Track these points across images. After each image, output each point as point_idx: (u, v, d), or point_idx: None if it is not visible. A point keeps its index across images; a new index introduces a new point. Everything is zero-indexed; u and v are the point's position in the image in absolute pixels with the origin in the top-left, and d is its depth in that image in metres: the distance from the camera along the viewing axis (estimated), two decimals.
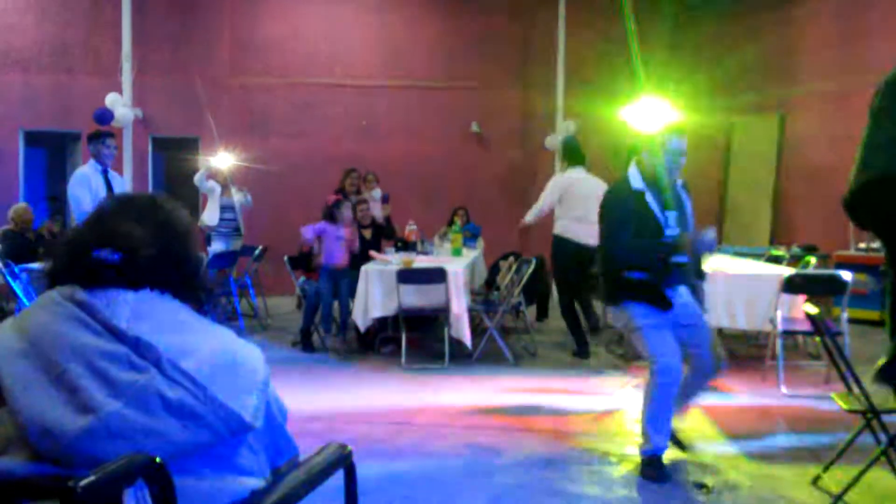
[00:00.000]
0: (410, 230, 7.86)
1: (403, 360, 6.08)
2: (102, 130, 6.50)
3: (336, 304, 6.77)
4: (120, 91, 9.57)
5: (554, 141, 10.39)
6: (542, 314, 8.24)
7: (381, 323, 6.68)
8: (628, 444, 4.18)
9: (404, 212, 8.58)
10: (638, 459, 3.80)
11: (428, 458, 3.94)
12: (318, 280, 6.80)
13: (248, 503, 1.29)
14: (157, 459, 1.10)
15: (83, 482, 0.94)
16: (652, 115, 9.79)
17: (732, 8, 10.18)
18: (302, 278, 7.29)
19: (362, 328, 6.37)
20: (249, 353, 1.37)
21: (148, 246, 1.35)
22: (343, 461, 1.57)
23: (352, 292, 6.57)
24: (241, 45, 10.23)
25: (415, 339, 6.49)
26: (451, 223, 8.52)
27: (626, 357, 6.41)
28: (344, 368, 6.11)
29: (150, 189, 10.22)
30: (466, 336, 6.06)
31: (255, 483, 1.34)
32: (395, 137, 10.42)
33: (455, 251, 7.40)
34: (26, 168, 9.96)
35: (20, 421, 1.16)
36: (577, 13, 10.52)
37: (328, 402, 5.06)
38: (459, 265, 6.46)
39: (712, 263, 6.36)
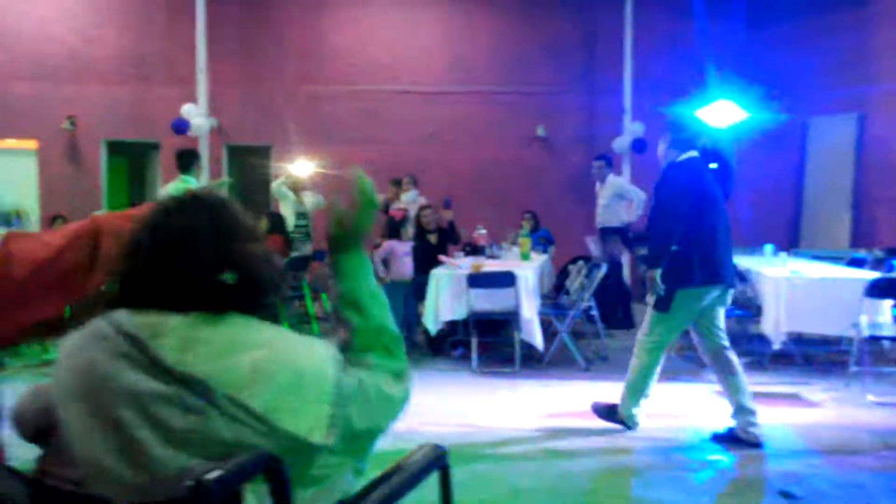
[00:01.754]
0: (479, 234, 7.89)
1: (474, 363, 6.10)
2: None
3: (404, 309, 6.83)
4: (196, 101, 9.88)
5: (622, 143, 10.28)
6: (628, 324, 8.00)
7: (452, 326, 6.72)
8: (708, 451, 4.10)
9: (471, 216, 8.61)
10: (721, 464, 3.74)
11: (504, 462, 3.95)
12: (387, 287, 6.87)
13: None
14: (272, 455, 1.09)
15: (213, 475, 0.95)
16: (723, 115, 9.61)
17: (808, 5, 9.91)
18: None
19: (433, 331, 6.42)
20: (314, 358, 1.25)
21: (265, 267, 1.27)
22: (438, 462, 1.56)
23: (420, 296, 6.63)
24: (310, 55, 10.44)
25: (485, 342, 6.50)
26: (518, 227, 8.53)
27: (699, 362, 6.29)
28: (415, 371, 6.15)
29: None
30: (538, 339, 6.05)
31: (344, 487, 1.31)
32: (460, 142, 10.47)
33: (523, 255, 7.39)
34: (109, 177, 10.37)
35: (81, 470, 1.13)
36: (644, 13, 10.39)
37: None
38: (529, 269, 6.45)
39: (790, 267, 6.21)
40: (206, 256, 1.22)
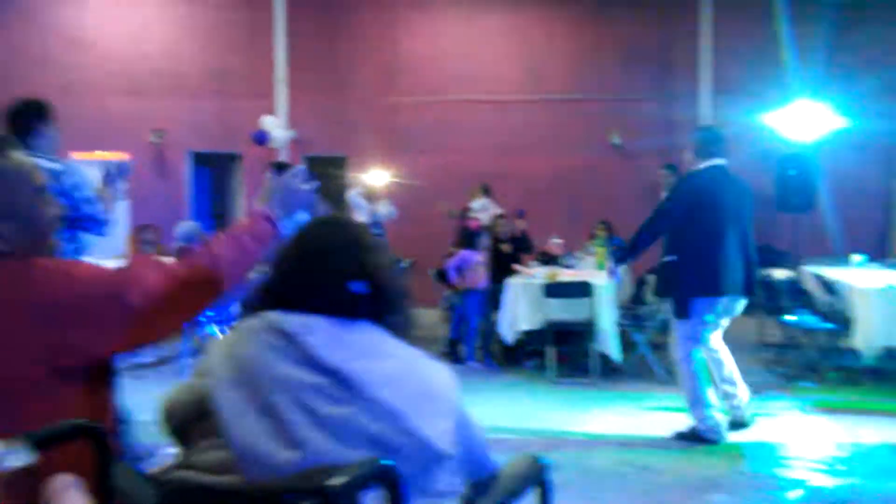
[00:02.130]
0: (554, 244, 7.84)
1: (551, 374, 6.06)
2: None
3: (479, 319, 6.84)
4: (275, 113, 10.15)
5: None
6: None
7: (527, 336, 6.68)
8: (799, 468, 3.96)
9: (545, 225, 8.57)
10: (813, 483, 3.61)
11: (586, 475, 3.90)
12: (459, 295, 6.88)
13: None
14: (388, 463, 1.14)
15: (338, 481, 1.00)
16: (807, 122, 9.30)
17: None
18: (448, 291, 7.42)
19: (508, 341, 6.41)
20: (442, 376, 1.36)
21: (392, 279, 1.39)
22: (539, 475, 1.54)
23: (494, 305, 6.63)
24: (386, 67, 10.60)
25: (561, 353, 6.45)
26: (592, 237, 8.43)
27: (787, 377, 6.09)
28: (491, 381, 6.16)
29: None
30: (615, 351, 5.96)
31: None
32: (534, 151, 10.44)
33: (600, 265, 7.30)
34: (193, 187, 10.75)
35: (234, 449, 1.22)
36: (723, 18, 10.16)
37: (478, 414, 5.08)
38: (606, 279, 6.36)
39: (880, 278, 5.95)
40: (341, 268, 1.35)
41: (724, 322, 4.54)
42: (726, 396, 4.56)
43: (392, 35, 10.60)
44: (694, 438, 4.37)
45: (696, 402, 4.38)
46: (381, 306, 1.36)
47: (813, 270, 6.85)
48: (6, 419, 1.33)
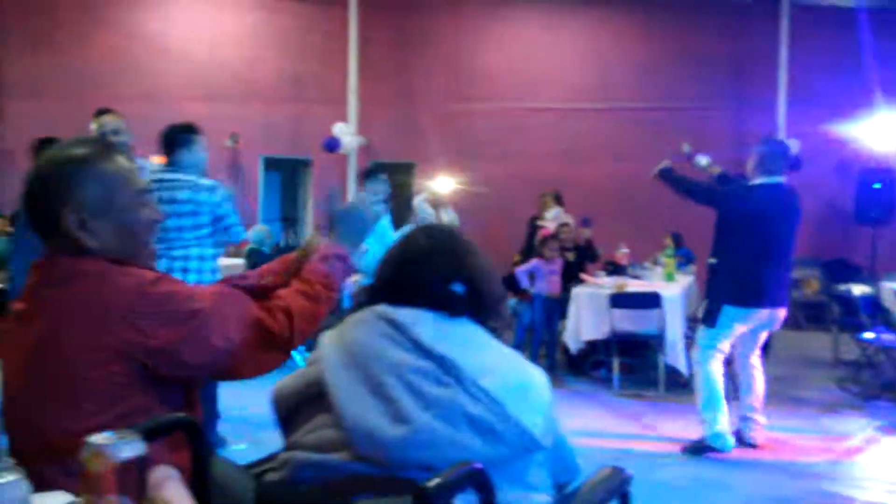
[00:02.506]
0: (621, 253, 7.77)
1: (616, 385, 6.01)
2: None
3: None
4: (346, 120, 10.35)
5: None
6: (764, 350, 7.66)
7: (592, 346, 6.64)
8: (875, 490, 3.84)
9: (612, 235, 8.49)
10: None
11: (653, 489, 3.85)
12: (530, 302, 6.86)
13: None
14: (479, 467, 1.17)
15: (433, 483, 1.04)
16: (889, 131, 8.99)
17: None
18: (514, 300, 7.42)
19: (573, 350, 6.38)
20: (537, 375, 1.44)
21: (488, 281, 1.49)
22: (622, 487, 1.56)
23: (561, 314, 6.60)
24: (456, 74, 10.68)
25: (626, 364, 6.38)
26: (662, 248, 8.31)
27: (862, 396, 5.90)
28: (554, 390, 6.11)
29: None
30: (683, 364, 5.87)
31: (544, 499, 1.39)
32: (601, 159, 10.35)
33: (668, 276, 7.20)
34: (264, 191, 11.03)
35: (346, 425, 1.30)
36: (802, 26, 9.90)
37: None
38: (675, 290, 6.28)
39: None
40: (443, 269, 1.46)
41: (761, 336, 4.60)
42: (744, 419, 4.58)
43: (462, 43, 10.68)
44: (699, 450, 4.40)
45: (706, 410, 4.42)
46: (478, 306, 1.45)
47: (892, 286, 6.61)
48: (77, 413, 1.37)
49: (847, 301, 6.59)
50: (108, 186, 1.50)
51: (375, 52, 10.62)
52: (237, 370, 1.48)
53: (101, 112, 4.24)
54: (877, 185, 8.83)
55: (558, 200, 8.83)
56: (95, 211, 1.47)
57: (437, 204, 8.59)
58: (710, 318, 4.40)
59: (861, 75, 9.35)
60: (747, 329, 4.42)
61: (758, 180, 4.39)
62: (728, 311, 4.32)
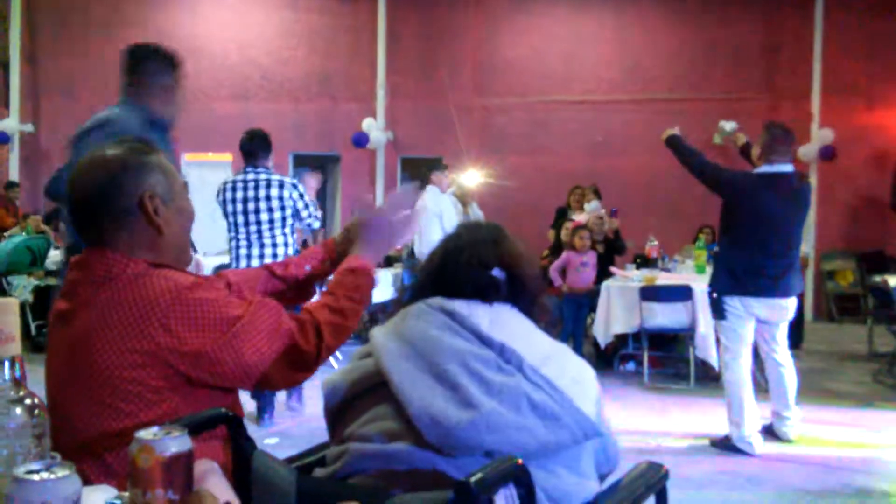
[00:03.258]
0: (651, 246, 7.71)
1: (646, 378, 5.98)
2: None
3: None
4: (375, 115, 10.39)
5: (809, 151, 9.68)
6: (796, 343, 7.58)
7: (622, 339, 6.62)
8: None
9: (643, 227, 8.43)
10: None
11: (685, 484, 3.85)
12: (560, 298, 6.82)
13: None
14: (520, 462, 1.18)
15: (475, 478, 1.06)
16: None
17: None
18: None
19: (602, 344, 6.36)
20: (587, 367, 1.48)
21: (527, 267, 1.53)
22: (660, 482, 1.57)
23: (590, 308, 6.58)
24: (483, 68, 10.67)
25: (656, 357, 6.35)
26: (695, 240, 8.24)
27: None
28: None
29: None
30: (713, 357, 5.83)
31: (595, 487, 1.42)
32: (632, 152, 10.27)
33: (699, 268, 7.14)
34: None
35: (410, 412, 1.32)
36: (835, 14, 9.73)
37: None
38: (705, 282, 6.22)
39: None
40: (482, 257, 1.50)
41: (781, 329, 4.45)
42: (777, 415, 4.53)
43: (489, 37, 10.66)
44: (727, 447, 4.34)
45: (732, 411, 4.36)
46: (519, 291, 1.49)
47: None
48: (114, 413, 1.40)
49: (882, 293, 6.49)
50: (168, 175, 1.57)
51: (403, 47, 10.65)
52: (266, 382, 1.51)
53: None
54: None
55: (597, 194, 8.76)
56: (165, 198, 1.54)
57: (464, 198, 8.60)
58: (718, 310, 4.38)
59: (895, 64, 9.18)
60: (756, 321, 4.35)
61: (763, 168, 4.31)
62: (730, 301, 4.29)
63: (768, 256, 4.23)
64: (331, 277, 1.76)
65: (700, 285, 6.03)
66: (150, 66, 3.03)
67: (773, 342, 4.48)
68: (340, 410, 1.45)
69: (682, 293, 5.94)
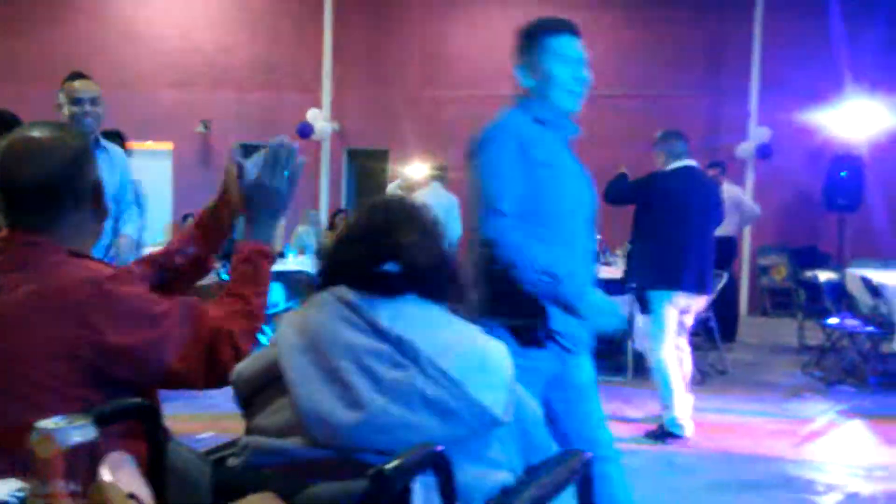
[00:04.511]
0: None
1: None
2: None
3: None
4: (320, 106, 10.29)
5: (746, 149, 9.94)
6: (730, 336, 7.79)
7: None
8: (836, 473, 3.93)
9: None
10: (850, 488, 3.59)
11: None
12: None
13: (498, 499, 1.34)
14: (439, 449, 1.18)
15: (390, 465, 1.05)
16: (858, 120, 9.12)
17: None
18: None
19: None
20: (497, 350, 1.42)
21: (424, 255, 1.43)
22: (583, 469, 1.58)
23: None
24: (431, 60, 10.65)
25: (596, 350, 6.43)
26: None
27: (826, 381, 6.01)
28: None
29: (344, 197, 10.90)
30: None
31: (506, 477, 1.39)
32: (581, 147, 10.30)
33: None
34: None
35: (299, 411, 1.29)
36: (775, 15, 10.00)
37: None
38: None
39: None
40: (372, 249, 1.43)
41: (687, 320, 4.73)
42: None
43: (437, 29, 10.64)
44: (659, 435, 4.49)
45: (664, 397, 4.54)
46: (419, 285, 1.42)
47: (858, 272, 6.73)
48: (27, 406, 1.34)
49: (813, 287, 6.70)
50: (96, 167, 1.54)
51: (349, 37, 10.56)
52: (182, 384, 1.48)
53: (74, 76, 3.77)
54: (843, 174, 8.95)
55: None
56: (97, 187, 1.53)
57: (411, 190, 8.59)
58: (645, 304, 4.60)
59: (832, 64, 9.47)
60: (678, 311, 4.55)
61: (671, 165, 4.62)
62: (657, 294, 4.48)
63: (689, 251, 4.43)
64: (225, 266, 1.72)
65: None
66: None
67: (681, 329, 4.68)
68: (250, 401, 1.42)
69: (619, 286, 6.02)
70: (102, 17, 10.61)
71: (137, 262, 1.89)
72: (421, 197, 7.93)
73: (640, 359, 6.07)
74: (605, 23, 10.53)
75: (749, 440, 4.52)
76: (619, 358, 6.24)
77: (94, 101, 3.64)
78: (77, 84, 3.67)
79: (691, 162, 4.63)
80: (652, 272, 4.52)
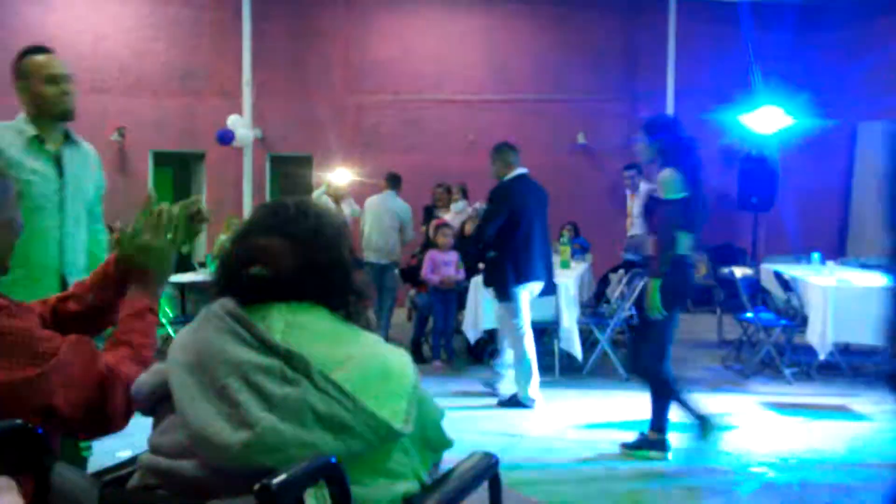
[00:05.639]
0: None
1: None
2: None
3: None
4: (241, 112, 10.08)
5: None
6: None
7: (491, 334, 6.71)
8: (754, 462, 4.05)
9: None
10: (767, 477, 3.69)
11: (543, 472, 3.95)
12: (428, 293, 6.88)
13: None
14: (335, 461, 1.14)
15: (276, 480, 1.00)
16: (769, 121, 9.49)
17: (857, 11, 9.73)
18: (412, 291, 7.42)
19: (472, 340, 6.43)
20: (398, 358, 1.39)
21: (292, 259, 1.38)
22: (490, 470, 1.57)
23: (460, 304, 6.64)
24: (355, 66, 10.57)
25: None
26: (559, 238, 8.49)
27: (744, 374, 6.20)
28: (453, 379, 6.19)
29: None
30: (577, 349, 6.02)
31: (409, 486, 1.36)
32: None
33: (563, 263, 7.35)
34: (155, 187, 10.61)
35: (188, 432, 1.23)
36: (688, 20, 10.31)
37: None
38: (569, 278, 6.42)
39: (837, 276, 6.09)
40: (239, 251, 1.41)
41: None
42: (497, 374, 5.55)
43: (359, 35, 10.57)
44: (514, 404, 5.23)
45: (521, 374, 5.23)
46: (288, 289, 1.38)
47: (771, 268, 6.98)
48: None
49: (730, 283, 6.91)
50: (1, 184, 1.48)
51: (270, 42, 10.38)
52: (66, 428, 1.42)
53: (36, 49, 2.92)
54: (752, 172, 9.30)
55: (464, 194, 8.84)
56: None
57: (337, 196, 8.48)
58: (511, 297, 5.17)
59: (743, 67, 9.83)
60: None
61: (511, 174, 5.33)
62: (520, 288, 5.16)
63: (536, 247, 5.21)
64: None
65: (563, 280, 6.22)
66: None
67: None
68: (149, 414, 1.37)
69: (546, 288, 6.07)
70: (8, 23, 10.15)
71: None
72: (374, 204, 7.85)
73: (567, 358, 6.15)
74: (525, 28, 10.68)
75: (671, 433, 4.60)
76: (547, 358, 6.29)
77: (70, 79, 2.94)
78: (45, 59, 2.88)
79: (523, 170, 5.36)
80: (511, 269, 5.12)
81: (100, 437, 1.50)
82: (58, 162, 2.83)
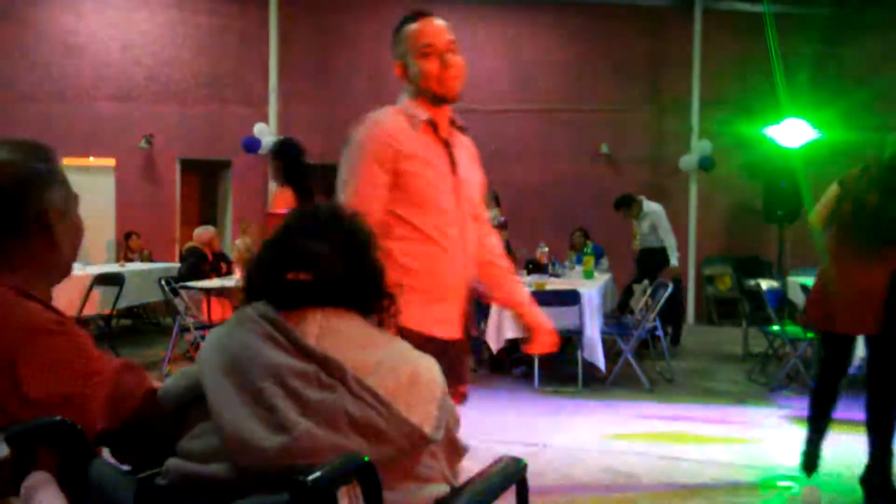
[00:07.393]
0: (542, 252, 7.87)
1: (536, 381, 6.09)
2: None
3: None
4: (267, 120, 10.17)
5: (689, 162, 10.15)
6: (675, 341, 8.03)
7: (513, 344, 6.70)
8: (780, 476, 4.00)
9: (534, 234, 8.61)
10: (793, 491, 3.64)
11: (567, 482, 3.92)
12: None
13: None
14: (367, 460, 1.15)
15: (311, 476, 1.01)
16: (795, 133, 9.40)
17: (884, 23, 9.64)
18: None
19: (494, 349, 6.43)
20: (428, 366, 1.40)
21: (336, 265, 1.39)
22: (518, 475, 1.57)
23: (483, 314, 6.65)
24: (381, 74, 10.61)
25: (547, 361, 6.46)
26: (571, 246, 8.52)
27: (769, 387, 6.14)
28: (476, 388, 6.17)
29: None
30: (600, 359, 6.00)
31: (438, 490, 1.37)
32: (524, 161, 10.49)
33: (587, 273, 7.34)
34: (181, 194, 10.73)
35: (222, 435, 1.24)
36: (713, 30, 10.28)
37: (463, 421, 5.12)
38: (593, 288, 6.41)
39: None
40: (280, 256, 1.40)
41: None
42: None
43: (384, 42, 10.53)
44: None
45: None
46: (329, 295, 1.38)
47: (798, 280, 6.91)
48: None
49: (756, 296, 6.84)
50: (67, 187, 1.48)
51: (296, 51, 10.49)
52: (109, 443, 1.42)
53: None
54: (779, 184, 9.21)
55: (497, 202, 8.80)
56: (63, 212, 1.45)
57: None
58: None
59: (769, 78, 9.76)
60: None
61: None
62: None
63: None
64: None
65: (587, 289, 6.21)
66: None
67: None
68: (177, 419, 1.36)
69: (570, 297, 6.07)
70: (41, 30, 10.35)
71: None
72: None
73: (590, 369, 6.12)
74: (550, 39, 10.70)
75: (695, 446, 4.57)
76: (570, 368, 6.27)
77: None
78: None
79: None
80: None
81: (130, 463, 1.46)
82: None
